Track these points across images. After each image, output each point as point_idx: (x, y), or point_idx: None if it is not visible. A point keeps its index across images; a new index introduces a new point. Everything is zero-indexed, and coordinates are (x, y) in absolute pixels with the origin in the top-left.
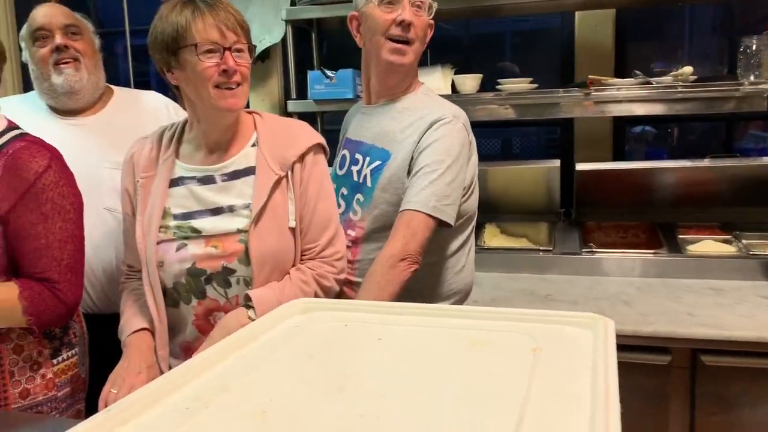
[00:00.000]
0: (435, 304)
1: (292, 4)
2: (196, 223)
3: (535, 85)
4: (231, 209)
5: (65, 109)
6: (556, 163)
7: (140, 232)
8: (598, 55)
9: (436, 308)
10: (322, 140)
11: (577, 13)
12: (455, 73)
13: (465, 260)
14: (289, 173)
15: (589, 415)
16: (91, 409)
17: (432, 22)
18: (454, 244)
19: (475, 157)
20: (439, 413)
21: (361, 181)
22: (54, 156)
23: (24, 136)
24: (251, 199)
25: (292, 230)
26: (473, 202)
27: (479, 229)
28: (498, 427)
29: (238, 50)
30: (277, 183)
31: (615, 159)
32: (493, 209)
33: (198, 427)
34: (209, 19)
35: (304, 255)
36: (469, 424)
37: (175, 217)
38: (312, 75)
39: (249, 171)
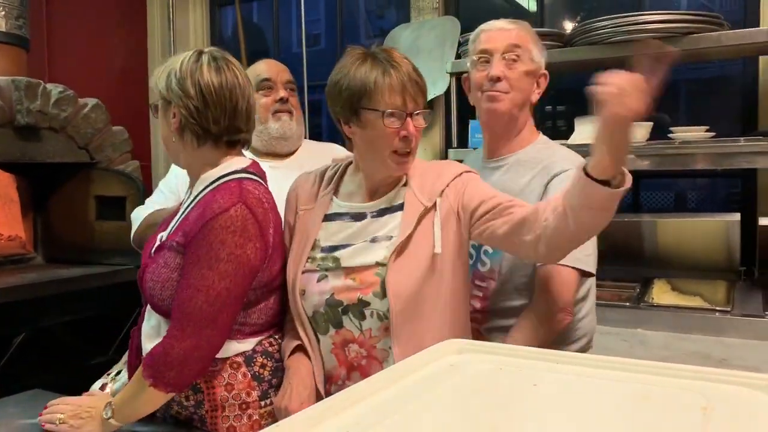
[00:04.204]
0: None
1: (457, 57)
2: (338, 254)
3: (712, 134)
4: (373, 240)
5: (270, 152)
6: (736, 216)
7: (291, 261)
8: None
9: (594, 359)
10: (470, 170)
11: (761, 58)
12: None
13: (587, 309)
14: (438, 200)
15: None
16: None
17: (537, 69)
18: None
19: None
20: None
21: None
22: (241, 202)
23: (243, 180)
24: (395, 231)
25: (435, 260)
26: None
27: (647, 285)
28: None
29: (418, 115)
30: (425, 213)
31: None
32: (663, 264)
33: None
34: (396, 83)
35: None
36: None
37: (323, 249)
38: (473, 124)
39: (397, 208)
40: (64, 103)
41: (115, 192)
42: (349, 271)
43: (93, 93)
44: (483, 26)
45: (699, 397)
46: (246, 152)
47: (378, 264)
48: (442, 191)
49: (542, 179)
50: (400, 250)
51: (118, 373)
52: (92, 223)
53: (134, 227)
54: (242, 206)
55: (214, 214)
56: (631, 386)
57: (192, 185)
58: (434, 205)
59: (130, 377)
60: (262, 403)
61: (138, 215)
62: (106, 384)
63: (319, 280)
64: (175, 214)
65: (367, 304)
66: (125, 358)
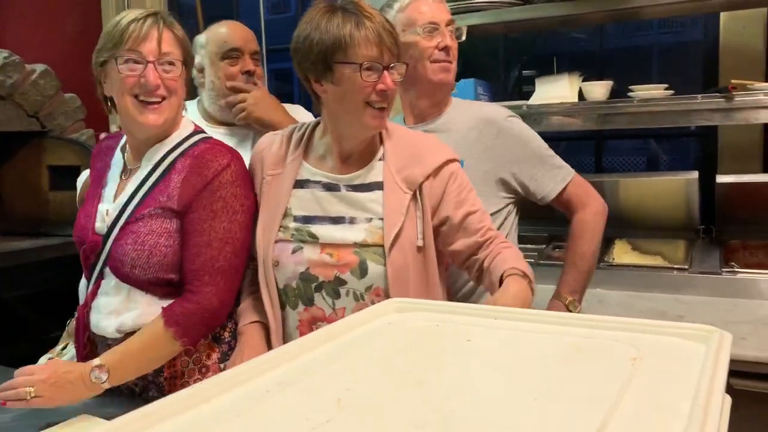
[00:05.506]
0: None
1: None
2: (315, 228)
3: (671, 92)
4: (352, 221)
5: (226, 121)
6: (694, 174)
7: (261, 229)
8: (747, 59)
9: (533, 313)
10: (452, 155)
11: (722, 15)
12: (583, 81)
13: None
14: (418, 192)
15: (682, 428)
16: None
17: None
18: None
19: None
20: (517, 414)
21: None
22: (234, 157)
23: (208, 139)
24: (376, 215)
25: (420, 249)
26: None
27: (608, 245)
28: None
29: (393, 68)
30: (409, 203)
31: (766, 171)
32: (624, 224)
33: (271, 408)
34: (372, 35)
35: (479, 249)
36: (545, 426)
37: (296, 219)
38: None
39: (374, 186)
40: (9, 69)
41: (69, 161)
42: (326, 246)
43: (43, 59)
44: None
45: (629, 348)
46: (200, 119)
47: (356, 244)
48: (422, 183)
49: (489, 129)
50: (396, 237)
51: (65, 347)
52: (46, 194)
53: (80, 190)
54: (237, 160)
55: (217, 171)
56: (563, 339)
57: (141, 152)
58: (414, 195)
59: (79, 355)
60: (222, 365)
61: (83, 177)
62: (53, 359)
63: (293, 252)
64: (100, 185)
65: (343, 282)
66: (70, 329)
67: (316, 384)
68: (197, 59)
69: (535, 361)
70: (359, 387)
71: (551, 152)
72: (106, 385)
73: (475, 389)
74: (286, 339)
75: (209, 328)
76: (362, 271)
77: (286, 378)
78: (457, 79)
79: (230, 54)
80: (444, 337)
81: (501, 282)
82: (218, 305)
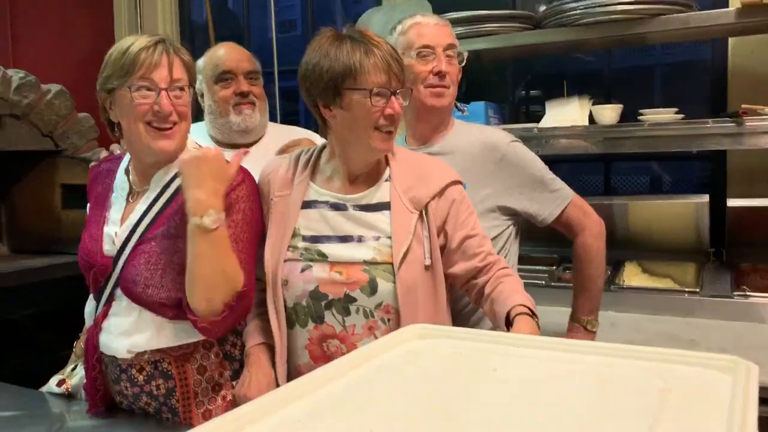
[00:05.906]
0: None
1: None
2: (324, 247)
3: (681, 116)
4: (360, 239)
5: (232, 143)
6: (705, 198)
7: (269, 249)
8: (755, 84)
9: (555, 341)
10: (456, 177)
11: (730, 40)
12: (593, 104)
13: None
14: (424, 212)
15: None
16: None
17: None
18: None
19: None
20: None
21: None
22: (246, 174)
23: None
24: (384, 233)
25: (427, 268)
26: None
27: (618, 268)
28: None
29: (399, 93)
30: (416, 222)
31: None
32: (634, 246)
33: None
34: (381, 62)
35: (480, 273)
36: None
37: (304, 238)
38: None
39: (382, 206)
40: (25, 90)
41: (82, 180)
42: (335, 264)
43: (58, 79)
44: (417, 19)
45: (656, 379)
46: (209, 141)
47: (365, 262)
48: (428, 203)
49: (492, 155)
50: (404, 255)
51: (74, 368)
52: (59, 212)
53: None
54: (248, 177)
55: (233, 187)
56: (589, 369)
57: (148, 174)
58: (421, 214)
59: (88, 376)
60: (234, 383)
61: None
62: (64, 380)
63: (302, 270)
64: (104, 208)
65: (353, 299)
66: (78, 350)
67: (347, 414)
68: (197, 84)
69: (562, 391)
70: (390, 419)
71: (551, 175)
72: (207, 225)
73: (504, 422)
74: (291, 358)
75: (233, 326)
76: (372, 288)
77: (316, 407)
78: (468, 101)
79: (223, 77)
80: (470, 366)
81: (508, 318)
82: (250, 309)
